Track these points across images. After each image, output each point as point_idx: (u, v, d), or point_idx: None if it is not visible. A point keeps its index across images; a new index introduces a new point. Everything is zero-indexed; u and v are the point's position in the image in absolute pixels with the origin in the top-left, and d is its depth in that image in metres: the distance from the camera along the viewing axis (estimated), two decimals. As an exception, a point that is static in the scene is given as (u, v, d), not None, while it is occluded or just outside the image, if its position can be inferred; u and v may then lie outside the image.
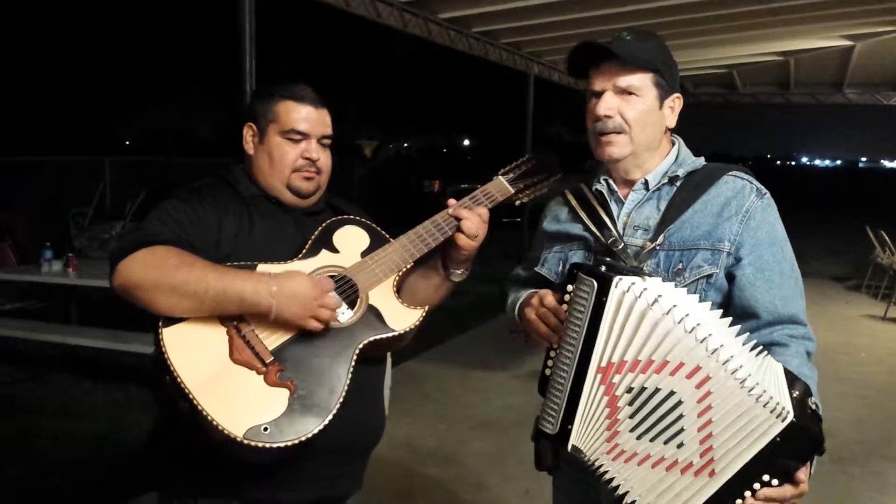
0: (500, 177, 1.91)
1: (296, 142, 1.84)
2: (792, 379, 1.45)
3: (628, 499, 1.47)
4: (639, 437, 1.45)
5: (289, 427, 1.56)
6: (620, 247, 1.69)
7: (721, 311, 1.52)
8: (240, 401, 1.56)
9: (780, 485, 1.38)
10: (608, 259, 1.60)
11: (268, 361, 1.61)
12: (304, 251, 1.79)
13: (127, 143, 26.31)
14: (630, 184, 1.78)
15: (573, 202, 1.85)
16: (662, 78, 1.71)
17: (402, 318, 1.77)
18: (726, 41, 8.58)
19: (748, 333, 1.52)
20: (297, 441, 1.55)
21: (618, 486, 1.48)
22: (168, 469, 1.79)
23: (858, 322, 8.45)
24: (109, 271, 1.64)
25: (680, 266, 1.67)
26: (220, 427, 1.51)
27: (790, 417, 1.34)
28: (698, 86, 13.32)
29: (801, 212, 15.80)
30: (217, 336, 1.62)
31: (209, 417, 1.52)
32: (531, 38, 8.33)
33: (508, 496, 4.01)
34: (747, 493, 1.39)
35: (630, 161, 1.74)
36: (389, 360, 5.02)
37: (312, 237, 1.81)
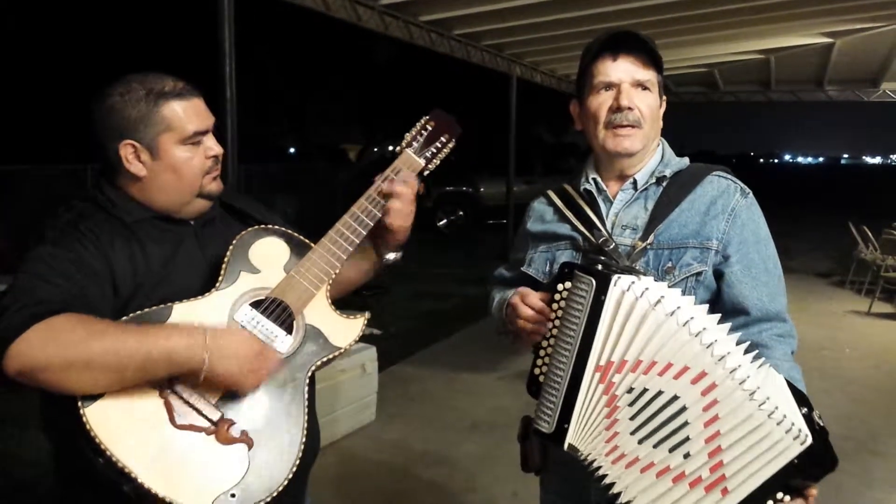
0: (406, 150, 1.73)
1: (197, 144, 1.60)
2: (798, 395, 1.45)
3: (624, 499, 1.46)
4: (640, 442, 1.44)
5: (257, 484, 1.43)
6: (612, 246, 1.69)
7: (711, 310, 1.52)
8: (196, 471, 1.40)
9: (791, 500, 1.40)
10: (602, 258, 1.61)
11: (215, 419, 1.44)
12: (221, 278, 1.56)
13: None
14: (620, 182, 1.78)
15: (558, 202, 1.84)
16: (662, 78, 1.75)
17: (344, 332, 1.62)
18: (707, 40, 8.63)
19: (739, 332, 1.52)
20: (269, 497, 1.43)
21: (619, 493, 1.47)
22: None
23: (843, 318, 8.50)
24: None
25: (670, 264, 1.67)
26: None
27: (809, 441, 1.34)
28: (680, 85, 13.39)
29: (785, 209, 15.92)
30: (151, 403, 1.42)
31: (167, 499, 1.35)
32: (513, 39, 8.34)
33: (497, 498, 4.01)
34: None
35: (636, 157, 1.75)
36: (376, 364, 5.02)
37: (226, 260, 1.58)
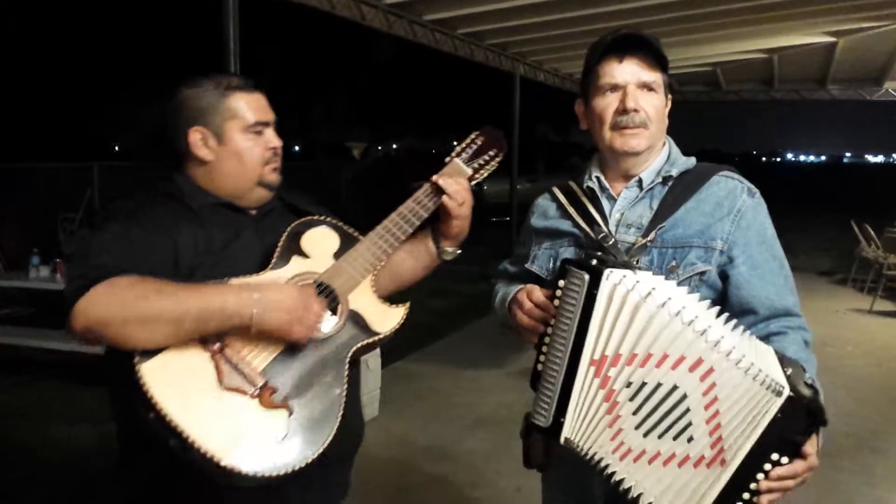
0: (455, 159, 1.86)
1: (259, 134, 1.73)
2: (784, 359, 1.47)
3: (644, 501, 1.47)
4: (645, 435, 1.45)
5: (293, 450, 1.50)
6: (611, 242, 1.71)
7: (711, 304, 1.54)
8: (238, 430, 1.47)
9: (790, 462, 1.40)
10: (599, 253, 1.61)
11: (259, 384, 1.53)
12: (273, 260, 1.69)
13: (116, 148, 26.17)
14: (624, 181, 1.79)
15: (561, 198, 1.86)
16: (668, 77, 1.76)
17: (385, 319, 1.72)
18: (710, 39, 8.62)
19: (746, 329, 1.54)
20: (304, 464, 1.50)
21: (629, 488, 1.48)
22: (144, 499, 1.69)
23: (845, 316, 8.51)
24: (65, 316, 1.49)
25: (674, 263, 1.68)
26: (222, 463, 1.43)
27: (786, 392, 1.36)
28: (683, 84, 13.37)
29: (787, 207, 15.88)
30: (201, 364, 1.51)
31: (208, 454, 1.43)
32: (516, 38, 8.34)
33: (501, 493, 4.03)
34: (760, 476, 1.40)
35: (642, 156, 1.76)
36: (379, 360, 5.04)
37: (279, 244, 1.71)
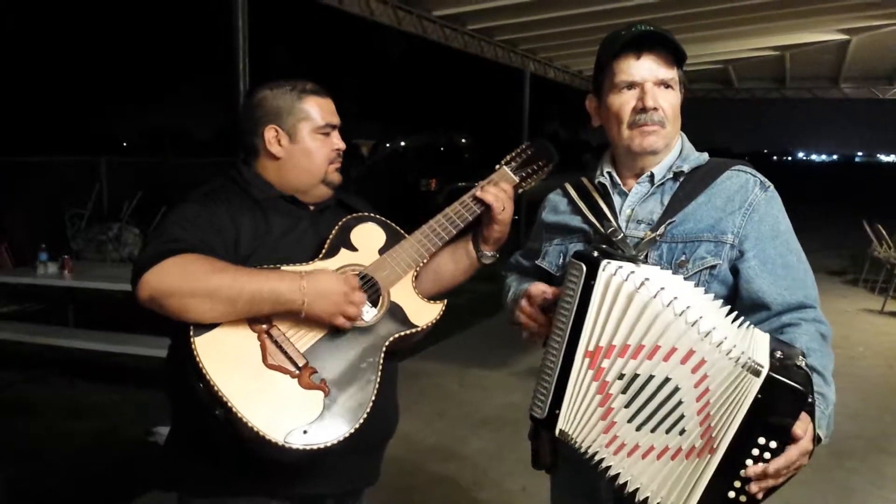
0: (503, 167, 1.96)
1: (327, 135, 1.88)
2: (777, 344, 1.43)
3: (640, 496, 1.46)
4: (638, 429, 1.44)
5: (325, 428, 1.59)
6: (620, 237, 1.68)
7: (731, 306, 1.51)
8: (277, 405, 1.59)
9: (779, 446, 1.37)
10: (604, 245, 1.59)
11: (301, 364, 1.64)
12: (324, 251, 1.82)
13: (124, 143, 26.28)
14: (637, 177, 1.77)
15: (573, 194, 1.84)
16: (682, 74, 1.74)
17: (423, 313, 1.82)
18: (722, 36, 8.57)
19: (758, 324, 1.52)
20: (335, 441, 1.59)
21: (626, 483, 1.47)
22: (192, 471, 1.80)
23: (856, 316, 8.46)
24: (133, 283, 1.61)
25: (683, 258, 1.66)
26: (260, 432, 1.53)
27: (765, 371, 1.33)
28: (694, 81, 13.31)
29: (798, 207, 15.79)
30: (249, 342, 1.64)
31: (249, 424, 1.53)
32: (526, 35, 8.31)
33: (507, 493, 4.01)
34: (749, 462, 1.38)
35: (659, 154, 1.74)
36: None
37: (331, 237, 1.84)
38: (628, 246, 1.66)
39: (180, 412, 1.82)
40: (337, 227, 1.86)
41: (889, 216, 11.26)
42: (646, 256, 1.65)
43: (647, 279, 1.42)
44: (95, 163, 11.86)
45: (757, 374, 1.33)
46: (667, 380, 1.40)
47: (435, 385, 5.82)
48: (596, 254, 1.49)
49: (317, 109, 1.87)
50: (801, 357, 1.40)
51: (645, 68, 1.67)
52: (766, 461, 1.37)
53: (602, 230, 1.72)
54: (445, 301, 1.87)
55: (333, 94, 1.93)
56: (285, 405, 1.59)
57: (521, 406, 1.61)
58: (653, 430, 1.43)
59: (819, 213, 20.26)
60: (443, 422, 5.07)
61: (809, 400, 1.38)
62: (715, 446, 1.38)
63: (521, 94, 9.81)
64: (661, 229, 1.67)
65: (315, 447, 1.57)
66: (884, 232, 9.75)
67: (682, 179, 1.73)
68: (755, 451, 1.38)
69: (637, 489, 1.46)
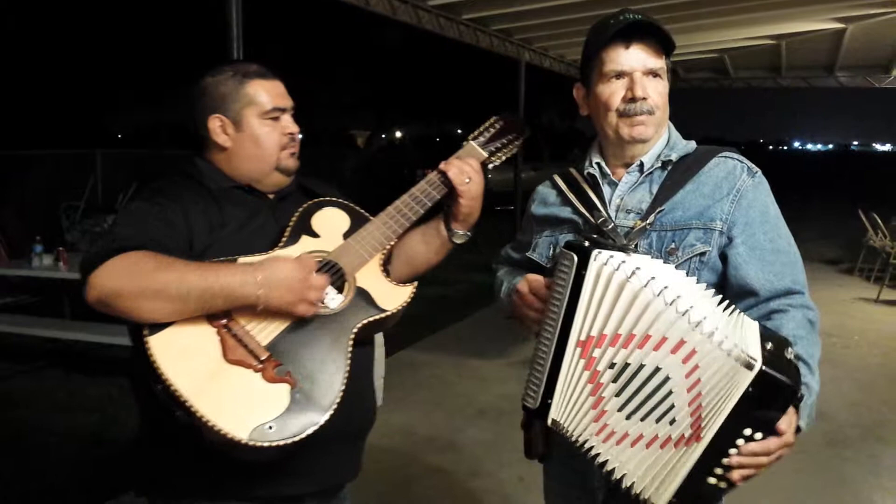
0: (471, 142, 1.89)
1: (276, 120, 1.78)
2: (766, 334, 1.43)
3: (626, 482, 1.47)
4: (628, 417, 1.45)
5: (294, 422, 1.52)
6: (610, 227, 1.68)
7: (714, 287, 1.52)
8: (240, 402, 1.51)
9: (764, 438, 1.38)
10: (594, 236, 1.59)
11: (263, 357, 1.56)
12: (284, 239, 1.74)
13: (119, 136, 26.19)
14: (626, 166, 1.77)
15: (562, 185, 1.84)
16: (670, 63, 1.73)
17: (392, 297, 1.74)
18: (717, 25, 8.54)
19: (746, 310, 1.52)
20: (304, 435, 1.51)
21: (613, 470, 1.48)
22: (162, 473, 1.74)
23: (851, 305, 8.48)
24: (81, 285, 1.54)
25: (673, 246, 1.66)
26: (222, 432, 1.46)
27: (758, 366, 1.33)
28: (689, 71, 13.29)
29: (794, 196, 15.85)
30: (207, 338, 1.56)
31: (211, 423, 1.46)
32: (522, 24, 8.28)
33: (504, 483, 4.02)
34: (732, 451, 1.39)
35: (648, 143, 1.74)
36: (383, 348, 5.02)
37: (290, 224, 1.76)
38: (619, 235, 1.67)
39: (145, 412, 1.74)
40: (297, 214, 1.78)
41: (884, 205, 11.27)
42: (636, 245, 1.65)
43: (637, 268, 1.42)
44: (90, 155, 11.83)
45: (750, 367, 1.33)
46: (657, 369, 1.41)
47: (431, 376, 5.83)
48: (587, 244, 1.49)
49: (262, 93, 1.77)
50: (790, 349, 1.40)
51: (634, 58, 1.67)
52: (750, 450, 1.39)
53: (592, 220, 1.72)
54: (416, 283, 1.79)
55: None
56: (249, 401, 1.52)
57: (518, 396, 1.61)
58: (642, 419, 1.44)
59: (815, 203, 20.29)
60: (439, 412, 5.08)
61: (798, 395, 1.39)
62: (701, 435, 1.39)
63: (516, 84, 9.78)
64: (651, 218, 1.67)
65: (283, 443, 1.49)
66: (879, 221, 9.77)
67: (670, 168, 1.73)
68: (740, 442, 1.38)
69: (623, 475, 1.47)
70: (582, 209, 1.76)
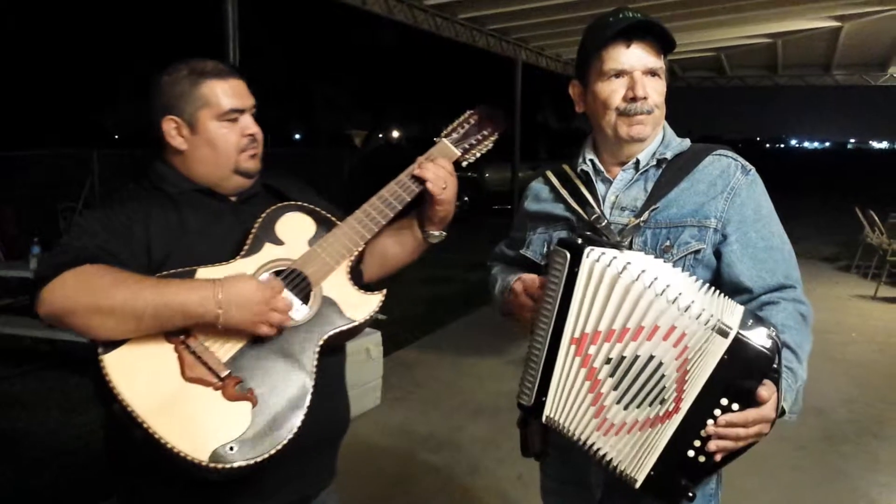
0: (444, 139, 1.82)
1: (233, 121, 1.69)
2: (751, 315, 1.44)
3: (613, 464, 1.49)
4: (626, 408, 1.47)
5: (257, 441, 1.46)
6: (604, 224, 1.69)
7: (709, 284, 1.53)
8: (199, 422, 1.45)
9: (741, 409, 1.39)
10: (588, 233, 1.60)
11: (223, 375, 1.50)
12: (245, 247, 1.65)
13: (116, 136, 26.16)
14: (620, 164, 1.77)
15: (555, 181, 1.84)
16: (668, 62, 1.74)
17: (360, 306, 1.66)
18: (714, 24, 8.56)
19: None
20: (266, 456, 1.46)
21: (604, 456, 1.50)
22: (126, 489, 1.71)
23: (848, 302, 8.49)
24: (32, 299, 1.48)
25: (668, 243, 1.67)
26: (181, 454, 1.41)
27: (733, 333, 1.35)
28: (686, 69, 13.30)
29: (791, 193, 15.86)
30: (164, 355, 1.50)
31: (169, 445, 1.41)
32: (518, 23, 8.29)
33: (502, 481, 4.02)
34: (710, 422, 1.40)
35: (644, 142, 1.74)
36: (381, 349, 5.03)
37: (253, 231, 1.68)
38: (612, 233, 1.68)
39: (108, 427, 1.68)
40: (259, 220, 1.69)
41: (881, 202, 11.29)
42: (630, 243, 1.66)
43: (629, 263, 1.43)
44: (87, 155, 11.81)
45: (724, 334, 1.36)
46: (651, 357, 1.43)
47: (429, 375, 5.83)
48: (580, 241, 1.50)
49: (218, 94, 1.67)
50: (773, 329, 1.41)
51: (635, 57, 1.67)
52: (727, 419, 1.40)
53: (586, 217, 1.73)
54: (384, 291, 1.71)
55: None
56: (209, 421, 1.46)
57: (516, 394, 1.62)
58: (638, 406, 1.46)
59: (812, 200, 20.31)
60: (437, 411, 5.08)
61: (774, 366, 1.39)
62: (680, 406, 1.41)
63: (513, 84, 9.78)
64: (645, 215, 1.68)
65: (245, 464, 1.44)
66: (876, 218, 9.77)
67: (664, 166, 1.73)
68: (717, 412, 1.40)
69: (612, 458, 1.50)
70: (575, 206, 1.76)
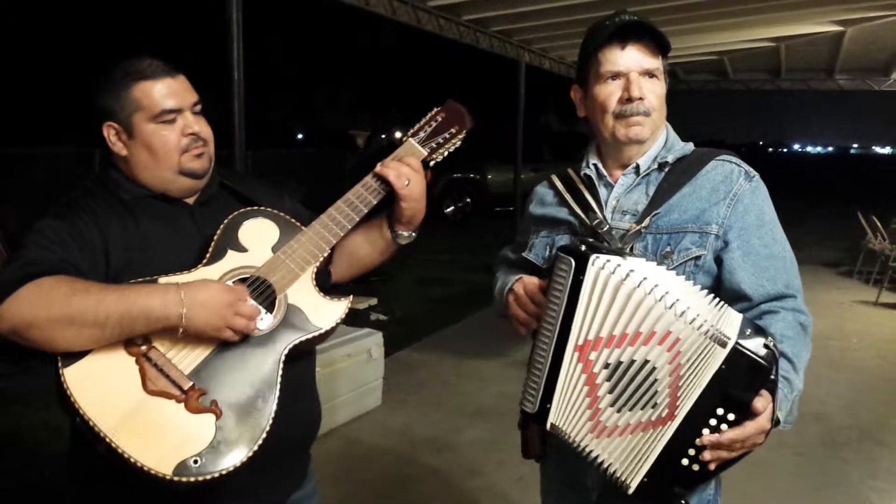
0: (409, 139, 1.77)
1: (171, 122, 1.63)
2: (750, 324, 1.44)
3: (610, 470, 1.49)
4: (619, 411, 1.47)
5: (219, 454, 1.45)
6: (605, 229, 1.69)
7: (709, 290, 1.53)
8: (162, 436, 1.44)
9: (737, 419, 1.39)
10: (590, 239, 1.60)
11: (185, 387, 1.48)
12: (207, 256, 1.61)
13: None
14: (623, 168, 1.77)
15: (559, 186, 1.85)
16: (667, 63, 1.73)
17: (326, 313, 1.63)
18: (717, 27, 8.56)
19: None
20: (231, 468, 1.44)
21: (602, 463, 1.51)
22: (91, 499, 1.69)
23: (850, 308, 8.48)
24: None
25: (668, 249, 1.66)
26: (145, 468, 1.40)
27: (731, 343, 1.36)
28: (689, 73, 13.30)
29: (793, 198, 15.84)
30: (126, 368, 1.47)
31: (132, 459, 1.40)
32: (521, 25, 8.28)
33: (503, 482, 4.02)
34: (706, 431, 1.40)
35: (644, 144, 1.74)
36: (382, 349, 5.03)
37: (215, 238, 1.63)
38: (614, 238, 1.68)
39: (74, 438, 1.66)
40: (222, 227, 1.64)
41: (884, 208, 11.28)
42: (631, 248, 1.66)
43: (632, 270, 1.44)
44: (89, 154, 11.81)
45: (723, 344, 1.36)
46: (646, 361, 1.43)
47: (430, 376, 5.83)
48: (584, 248, 1.50)
49: (151, 95, 1.61)
50: (770, 339, 1.41)
51: (630, 58, 1.67)
52: (722, 433, 1.40)
53: (588, 222, 1.73)
54: (350, 297, 1.68)
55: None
56: (172, 435, 1.44)
57: (517, 396, 1.62)
58: (631, 409, 1.46)
59: (814, 205, 20.28)
60: (438, 412, 5.08)
61: (772, 377, 1.40)
62: (675, 414, 1.41)
63: (515, 86, 9.78)
64: (647, 221, 1.67)
65: (210, 477, 1.42)
66: (878, 224, 9.77)
67: (666, 170, 1.73)
68: (713, 422, 1.40)
69: (608, 463, 1.50)
70: (578, 210, 1.76)
